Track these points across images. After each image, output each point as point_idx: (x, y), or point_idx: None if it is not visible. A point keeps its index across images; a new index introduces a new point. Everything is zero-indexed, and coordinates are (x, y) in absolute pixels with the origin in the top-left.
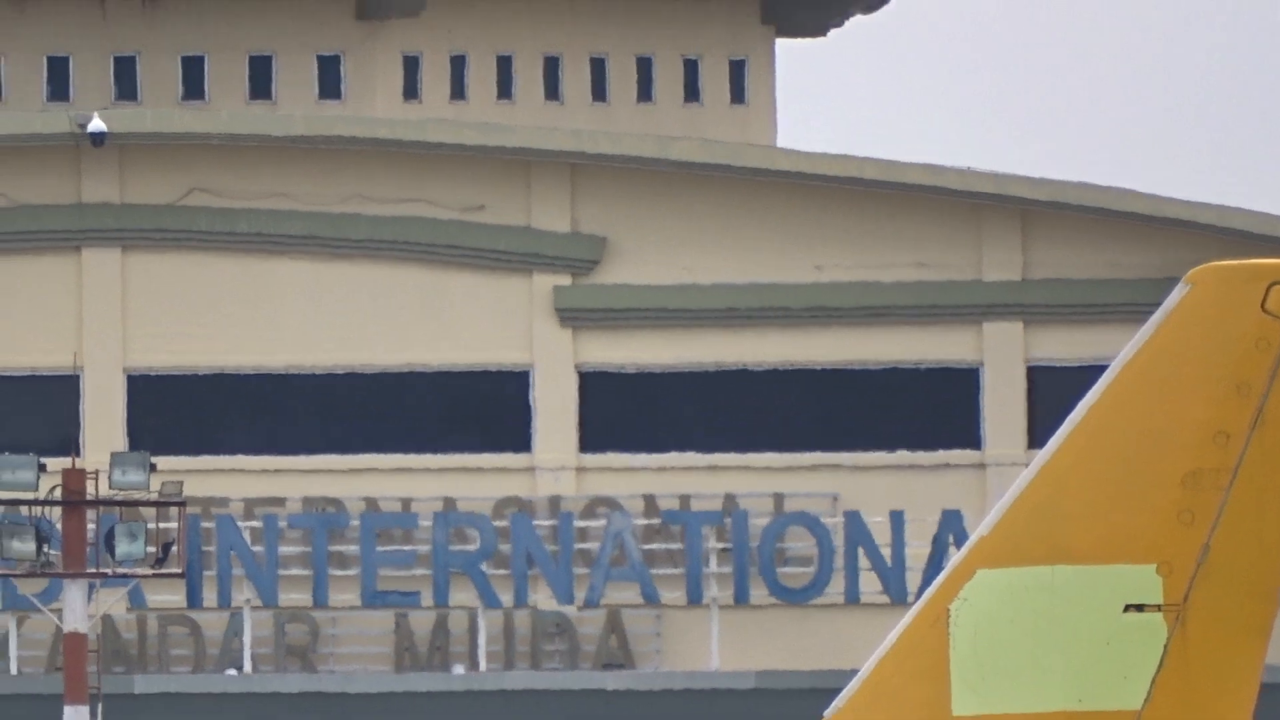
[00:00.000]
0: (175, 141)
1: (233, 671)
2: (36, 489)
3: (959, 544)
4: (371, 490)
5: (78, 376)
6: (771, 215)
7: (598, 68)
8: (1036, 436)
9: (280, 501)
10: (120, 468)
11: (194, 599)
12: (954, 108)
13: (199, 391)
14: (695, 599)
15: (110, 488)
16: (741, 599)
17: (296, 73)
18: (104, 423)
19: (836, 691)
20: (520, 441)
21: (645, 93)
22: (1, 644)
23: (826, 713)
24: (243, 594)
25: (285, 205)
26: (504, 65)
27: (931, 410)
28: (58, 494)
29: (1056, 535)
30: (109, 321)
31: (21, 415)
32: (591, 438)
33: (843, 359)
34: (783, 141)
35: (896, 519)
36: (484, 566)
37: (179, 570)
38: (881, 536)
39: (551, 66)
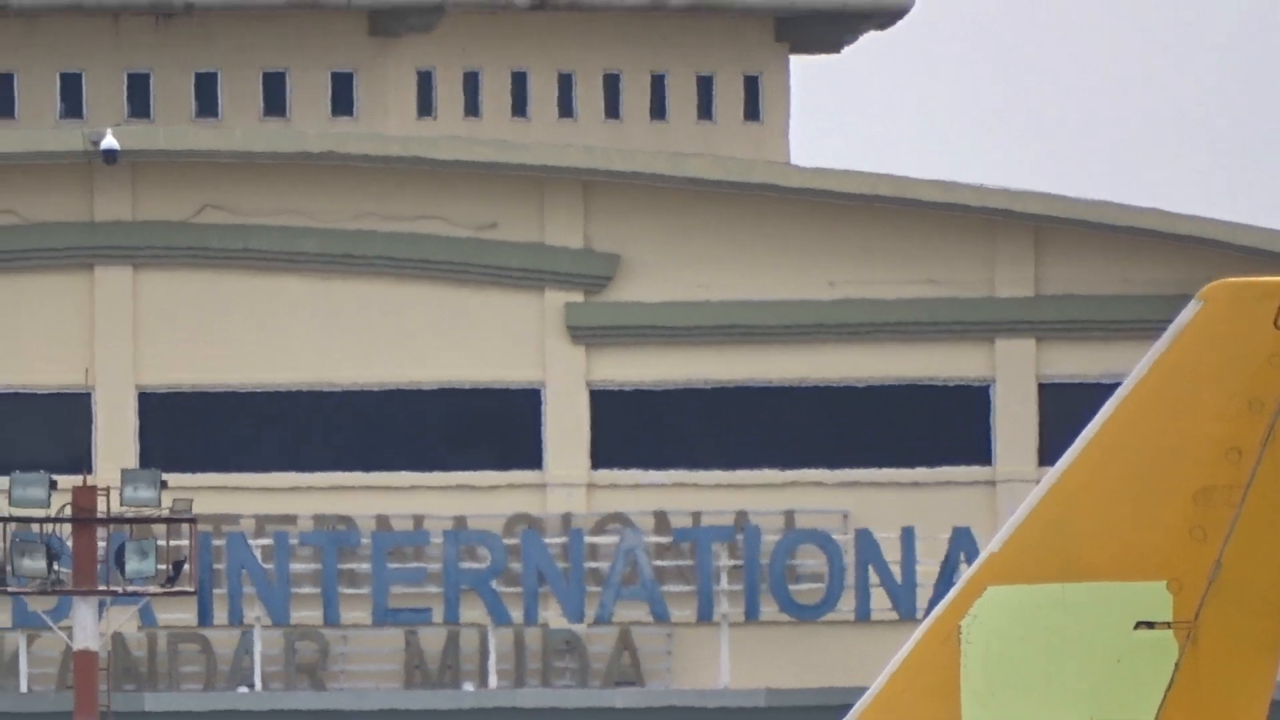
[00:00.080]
0: (188, 159)
1: (243, 689)
2: (48, 506)
3: (970, 561)
4: (382, 508)
5: (89, 394)
6: (784, 232)
7: (611, 84)
8: (1048, 453)
9: (291, 519)
10: (131, 485)
11: (205, 616)
12: (967, 124)
13: (210, 409)
14: (706, 616)
15: (121, 505)
16: (752, 616)
17: (310, 89)
18: (115, 440)
19: (847, 709)
20: (531, 459)
21: (659, 110)
22: (12, 662)
23: None
24: (253, 611)
25: (298, 222)
26: (518, 82)
27: (943, 427)
28: (69, 511)
29: (1068, 552)
30: (121, 339)
31: (33, 432)
32: (603, 455)
33: (854, 375)
34: (796, 158)
35: (907, 536)
36: (494, 584)
37: (190, 588)
38: (892, 553)
39: (565, 83)
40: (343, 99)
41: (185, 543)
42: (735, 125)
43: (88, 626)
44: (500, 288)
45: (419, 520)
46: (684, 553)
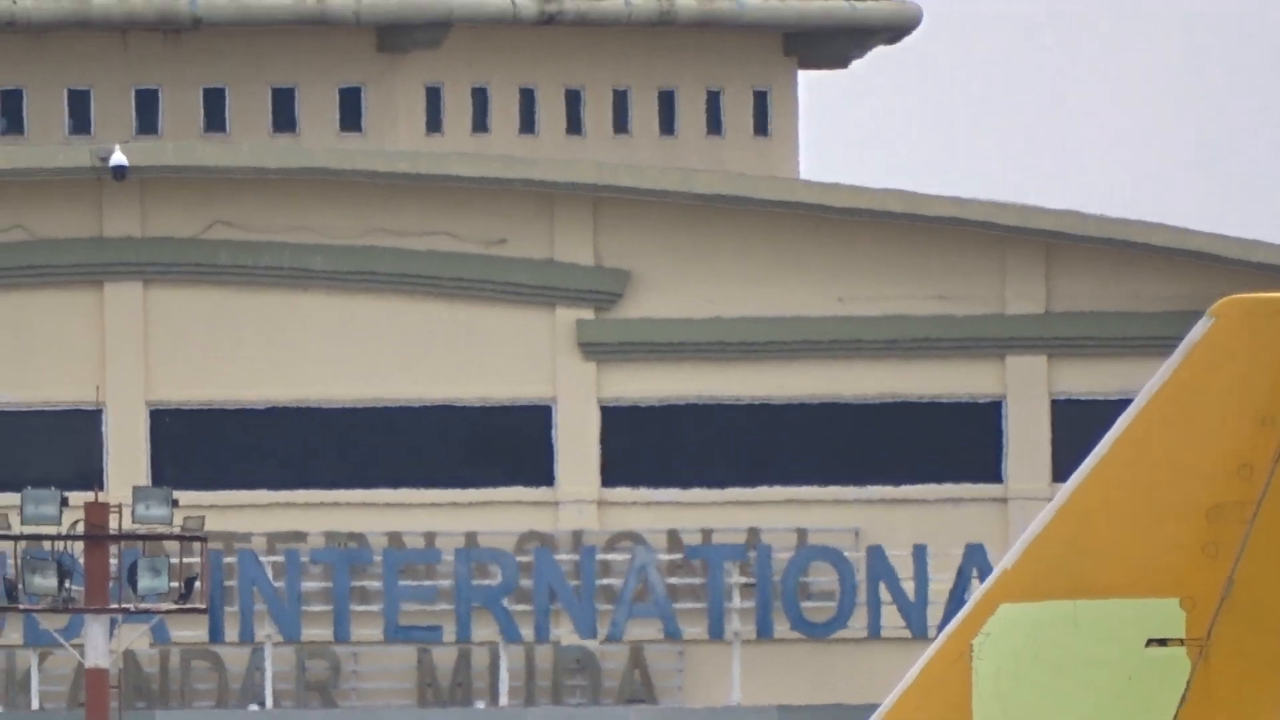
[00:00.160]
0: (197, 175)
1: (255, 707)
2: (59, 523)
3: (982, 578)
4: (394, 525)
5: (100, 411)
6: (794, 248)
7: (620, 100)
8: (1060, 470)
9: (302, 536)
10: (143, 502)
11: (216, 634)
12: (977, 139)
13: (221, 426)
14: (717, 633)
15: (133, 522)
16: (764, 633)
17: (318, 105)
18: (126, 457)
19: None
20: (543, 476)
21: (667, 125)
22: (23, 679)
23: None
24: (265, 629)
25: (307, 239)
26: (526, 98)
27: (954, 444)
28: (80, 529)
29: (1080, 569)
30: (131, 356)
31: (44, 450)
32: (614, 472)
33: (865, 392)
34: (805, 173)
35: (919, 553)
36: (506, 601)
37: (201, 605)
38: (904, 571)
39: (574, 99)
40: (351, 114)
41: (197, 560)
42: (744, 140)
43: (99, 644)
44: (510, 304)
45: (430, 537)
46: (696, 570)
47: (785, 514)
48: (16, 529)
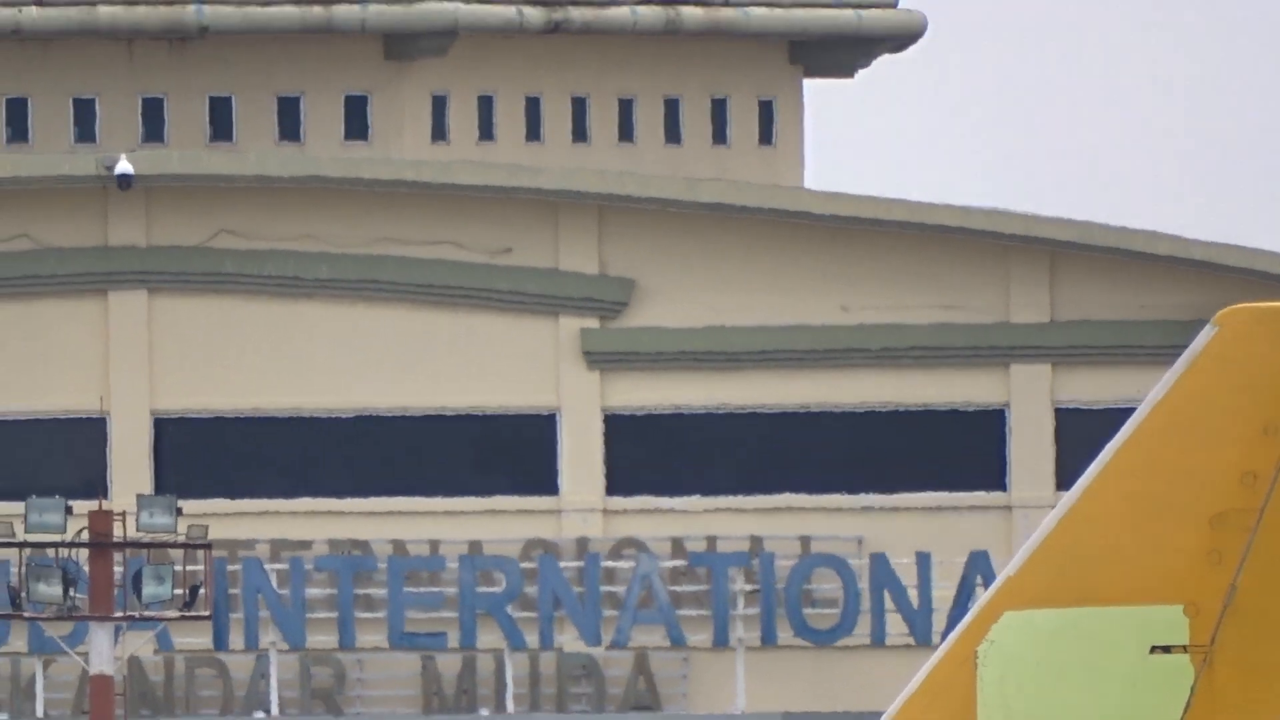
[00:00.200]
0: (202, 183)
1: (260, 714)
2: (64, 531)
3: (986, 586)
4: (398, 533)
5: (104, 419)
6: (799, 256)
7: (625, 109)
8: (1064, 478)
9: (307, 544)
10: (147, 510)
11: (220, 641)
12: (982, 149)
13: (225, 434)
14: (722, 640)
15: (137, 530)
16: (768, 640)
17: (324, 114)
18: (131, 466)
19: None
20: (547, 484)
21: (673, 134)
22: (28, 687)
23: None
24: (269, 636)
25: (312, 247)
26: (532, 106)
27: (958, 452)
28: (85, 536)
29: (1084, 577)
30: (136, 364)
31: (48, 458)
32: (618, 480)
33: (869, 401)
34: (810, 182)
35: (923, 561)
36: (510, 608)
37: (206, 612)
38: (908, 578)
39: (579, 107)
40: (357, 123)
41: (201, 568)
42: (749, 149)
43: (104, 651)
44: (515, 313)
45: (435, 545)
46: (700, 577)
47: (789, 521)
48: (21, 537)
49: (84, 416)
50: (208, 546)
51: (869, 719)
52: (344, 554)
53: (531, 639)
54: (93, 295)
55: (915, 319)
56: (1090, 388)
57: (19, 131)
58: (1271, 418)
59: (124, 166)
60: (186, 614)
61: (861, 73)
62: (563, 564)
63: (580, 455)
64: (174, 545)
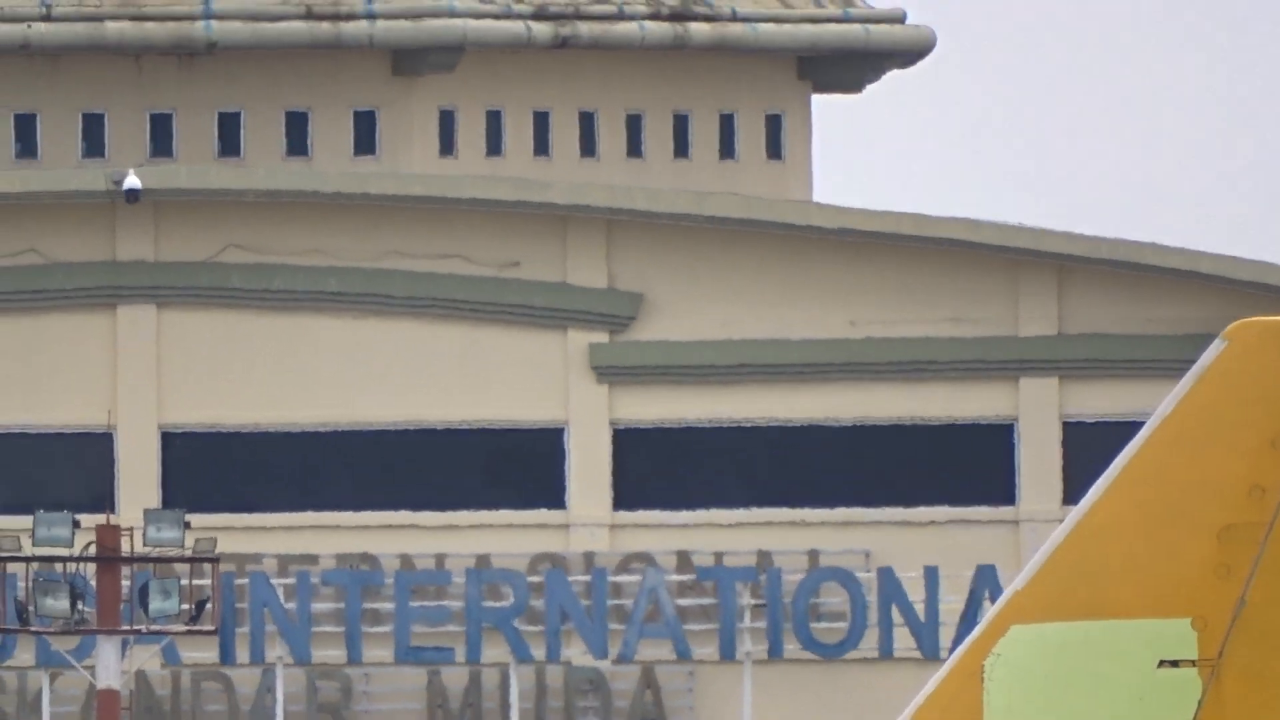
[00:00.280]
0: (211, 198)
1: None
2: (71, 545)
3: (993, 599)
4: (405, 547)
5: (112, 434)
6: (807, 270)
7: (633, 124)
8: (1071, 492)
9: (313, 558)
10: (154, 525)
11: (227, 655)
12: (990, 162)
13: (233, 448)
14: (729, 654)
15: (144, 544)
16: (775, 654)
17: (332, 129)
18: (138, 480)
19: None
20: (554, 498)
21: (681, 149)
22: (35, 700)
23: None
24: (275, 651)
25: (320, 262)
26: (540, 121)
27: (966, 466)
28: (92, 550)
29: (1091, 590)
30: (144, 379)
31: (56, 472)
32: (626, 494)
33: (877, 414)
34: (819, 197)
35: (930, 574)
36: (517, 622)
37: (212, 627)
38: (915, 592)
39: (587, 122)
40: (365, 138)
41: (208, 582)
42: (758, 164)
43: (111, 665)
44: (523, 327)
45: (441, 559)
46: (707, 591)
47: (796, 535)
48: (28, 551)
49: (91, 431)
50: (215, 561)
51: None
52: (351, 568)
53: (538, 653)
54: (101, 309)
55: (923, 332)
56: (1099, 401)
57: (28, 146)
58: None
59: (132, 181)
60: (193, 628)
61: (870, 88)
62: (570, 578)
63: (588, 469)
64: (181, 559)
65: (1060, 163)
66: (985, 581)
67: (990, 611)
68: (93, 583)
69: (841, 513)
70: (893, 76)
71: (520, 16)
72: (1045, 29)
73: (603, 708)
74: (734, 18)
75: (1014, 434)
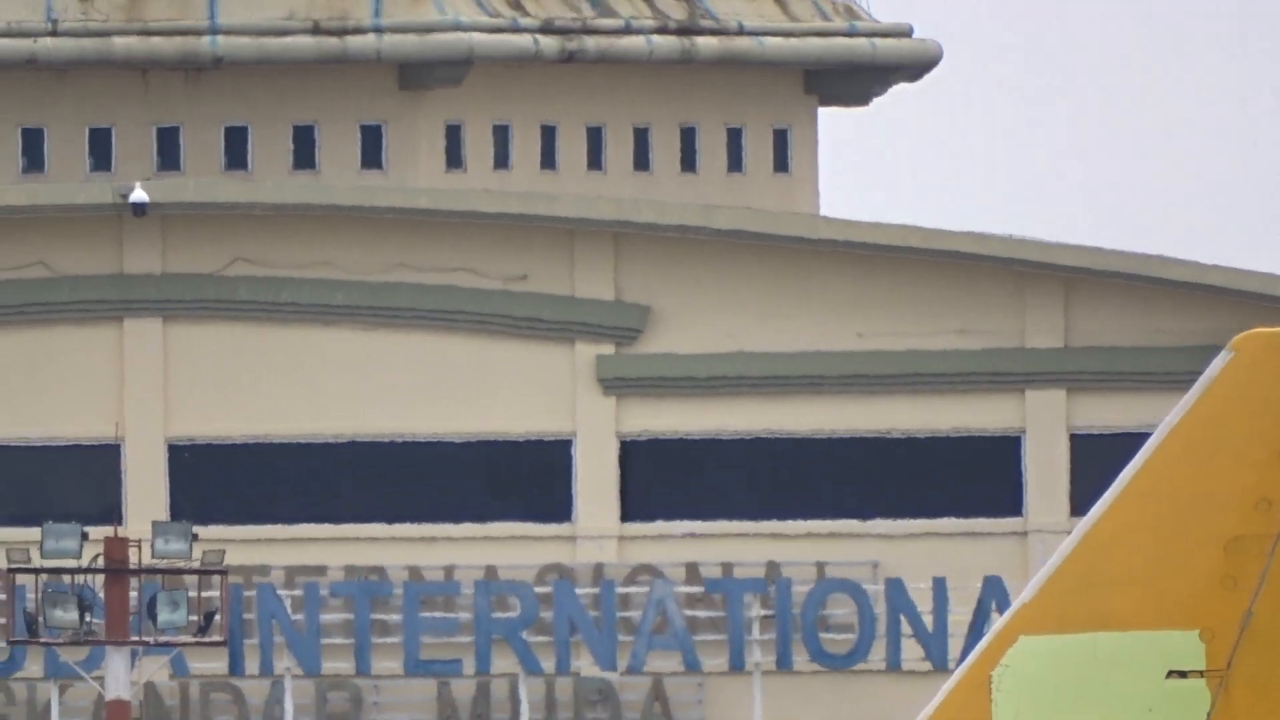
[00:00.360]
0: (218, 212)
1: None
2: (79, 557)
3: (1001, 611)
4: (414, 558)
5: (119, 446)
6: (814, 283)
7: (640, 137)
8: (1079, 504)
9: (322, 570)
10: (162, 537)
11: (236, 667)
12: (996, 175)
13: (240, 461)
14: (737, 665)
15: (152, 556)
16: (784, 665)
17: (339, 142)
18: (146, 492)
19: None
20: (562, 510)
21: (688, 162)
22: (44, 712)
23: None
24: (284, 662)
25: (328, 275)
26: (547, 135)
27: (973, 478)
28: (100, 562)
29: (1099, 602)
30: (151, 391)
31: (64, 485)
32: (633, 506)
33: (885, 427)
34: (825, 210)
35: (939, 586)
36: (525, 634)
37: (221, 638)
38: (924, 603)
39: (594, 136)
40: (372, 152)
41: (216, 594)
42: (765, 177)
43: (120, 676)
44: (531, 340)
45: (450, 570)
46: (716, 603)
47: (804, 547)
48: (37, 563)
49: (99, 443)
50: (223, 572)
51: None
52: (359, 580)
53: (547, 664)
54: (108, 322)
55: (930, 345)
56: (1105, 413)
57: (35, 160)
58: None
59: (139, 195)
60: (202, 639)
61: (876, 101)
62: (578, 589)
63: (595, 481)
64: (189, 571)
65: (1066, 175)
66: (993, 593)
67: (998, 623)
68: (101, 594)
69: (849, 524)
70: (899, 90)
71: (527, 31)
72: (1051, 42)
73: (612, 718)
74: (740, 32)
75: (1021, 446)
